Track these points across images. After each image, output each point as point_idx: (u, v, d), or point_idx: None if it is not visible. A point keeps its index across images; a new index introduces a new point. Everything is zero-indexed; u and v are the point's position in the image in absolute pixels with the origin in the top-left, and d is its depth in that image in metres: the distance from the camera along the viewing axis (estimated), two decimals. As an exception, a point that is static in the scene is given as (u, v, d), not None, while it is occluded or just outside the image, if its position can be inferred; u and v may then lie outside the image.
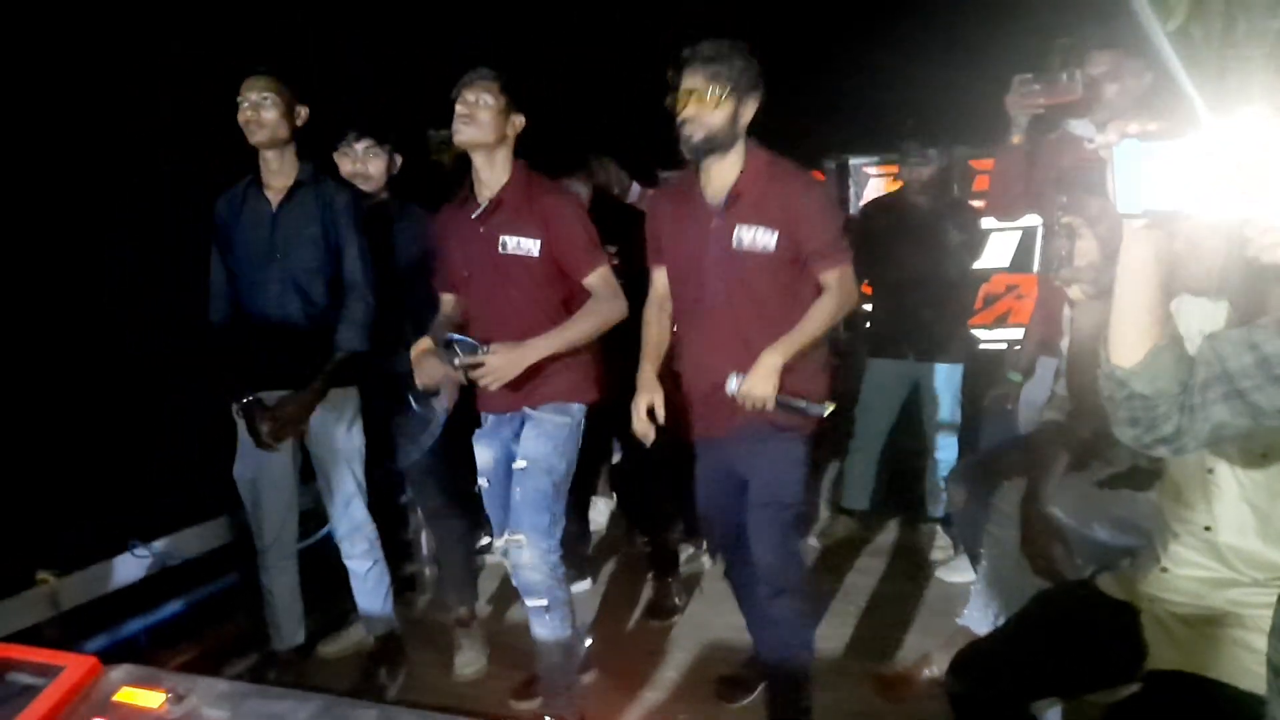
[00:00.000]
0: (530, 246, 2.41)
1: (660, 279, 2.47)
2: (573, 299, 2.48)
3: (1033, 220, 4.02)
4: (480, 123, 2.37)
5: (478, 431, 2.61)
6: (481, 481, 2.60)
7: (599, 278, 2.45)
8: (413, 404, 2.73)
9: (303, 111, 2.64)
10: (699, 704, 2.72)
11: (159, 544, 2.78)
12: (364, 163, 3.00)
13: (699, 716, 2.68)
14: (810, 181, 2.35)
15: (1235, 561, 1.54)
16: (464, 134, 2.38)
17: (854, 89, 4.41)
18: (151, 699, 0.98)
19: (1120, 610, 1.70)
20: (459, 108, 2.37)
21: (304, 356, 2.63)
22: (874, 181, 5.58)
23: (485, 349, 2.33)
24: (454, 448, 2.80)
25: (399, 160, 3.10)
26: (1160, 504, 1.68)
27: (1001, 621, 2.27)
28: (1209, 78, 2.49)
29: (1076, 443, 2.15)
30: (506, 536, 2.46)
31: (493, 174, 2.45)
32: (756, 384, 2.16)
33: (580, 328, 2.42)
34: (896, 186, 3.88)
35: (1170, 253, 1.22)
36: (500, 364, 2.32)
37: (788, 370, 2.18)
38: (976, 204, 3.76)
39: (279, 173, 2.66)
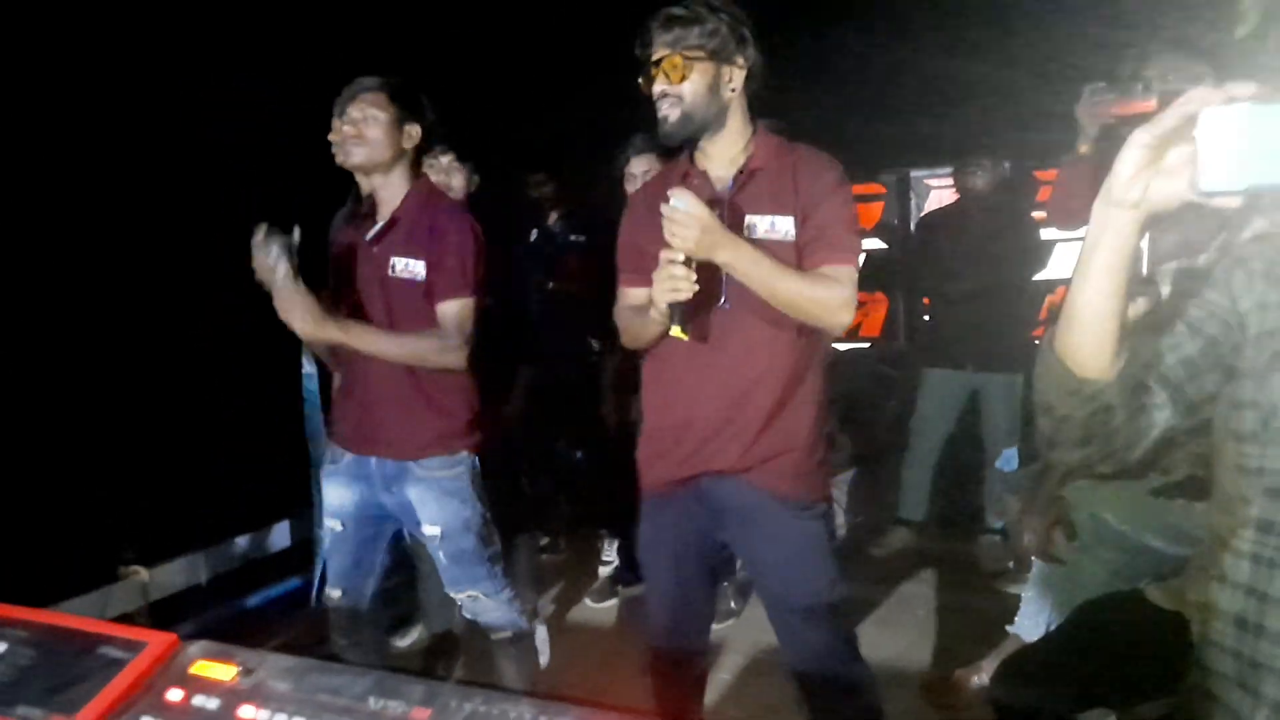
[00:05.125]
0: (417, 269, 2.18)
1: (637, 297, 1.94)
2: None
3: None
4: (370, 141, 2.16)
5: (328, 468, 2.33)
6: (331, 523, 2.32)
7: (453, 312, 2.17)
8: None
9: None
10: (752, 702, 2.74)
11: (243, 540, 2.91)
12: (447, 175, 3.02)
13: (753, 715, 2.69)
14: (833, 161, 1.89)
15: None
16: (352, 156, 2.16)
17: (914, 99, 4.39)
18: (224, 672, 1.06)
19: (1169, 620, 1.69)
20: (344, 126, 2.15)
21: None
22: (935, 194, 5.54)
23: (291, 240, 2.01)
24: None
25: (476, 179, 3.11)
26: (1210, 513, 1.66)
27: (1052, 630, 2.26)
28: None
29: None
30: (457, 595, 2.34)
31: (390, 192, 2.24)
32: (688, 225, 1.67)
33: (402, 344, 2.16)
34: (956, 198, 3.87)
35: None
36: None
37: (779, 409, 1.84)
38: (1039, 214, 3.73)
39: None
